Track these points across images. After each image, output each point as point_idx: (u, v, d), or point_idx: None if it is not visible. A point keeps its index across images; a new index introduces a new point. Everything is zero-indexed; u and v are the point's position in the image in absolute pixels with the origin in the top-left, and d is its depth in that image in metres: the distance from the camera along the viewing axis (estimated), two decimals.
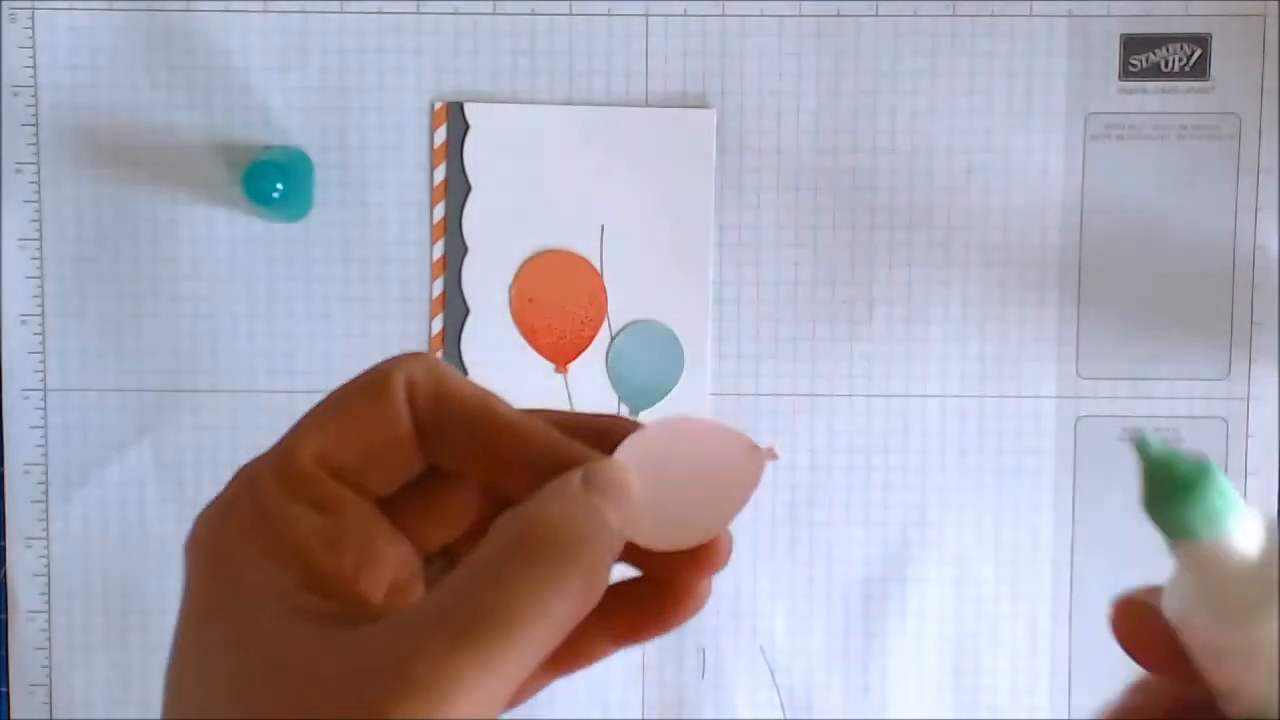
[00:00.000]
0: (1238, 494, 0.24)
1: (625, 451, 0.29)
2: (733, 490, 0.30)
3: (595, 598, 0.26)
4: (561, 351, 0.60)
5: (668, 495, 0.29)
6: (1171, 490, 0.24)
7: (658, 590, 0.30)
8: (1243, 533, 0.24)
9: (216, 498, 0.28)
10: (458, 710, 0.24)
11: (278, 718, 0.24)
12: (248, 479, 0.28)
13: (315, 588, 0.27)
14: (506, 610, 0.25)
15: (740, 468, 0.30)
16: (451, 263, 0.60)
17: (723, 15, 0.59)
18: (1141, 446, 0.24)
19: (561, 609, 0.25)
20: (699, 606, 0.30)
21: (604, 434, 0.30)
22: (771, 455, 0.30)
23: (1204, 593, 0.24)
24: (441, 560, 0.31)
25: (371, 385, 0.29)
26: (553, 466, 0.28)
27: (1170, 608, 0.25)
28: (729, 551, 0.30)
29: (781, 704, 0.61)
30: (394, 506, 0.29)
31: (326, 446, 0.28)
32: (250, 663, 0.25)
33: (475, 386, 0.29)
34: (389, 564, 0.29)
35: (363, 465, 0.28)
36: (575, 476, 0.28)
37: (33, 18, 0.59)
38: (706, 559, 0.29)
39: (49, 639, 0.61)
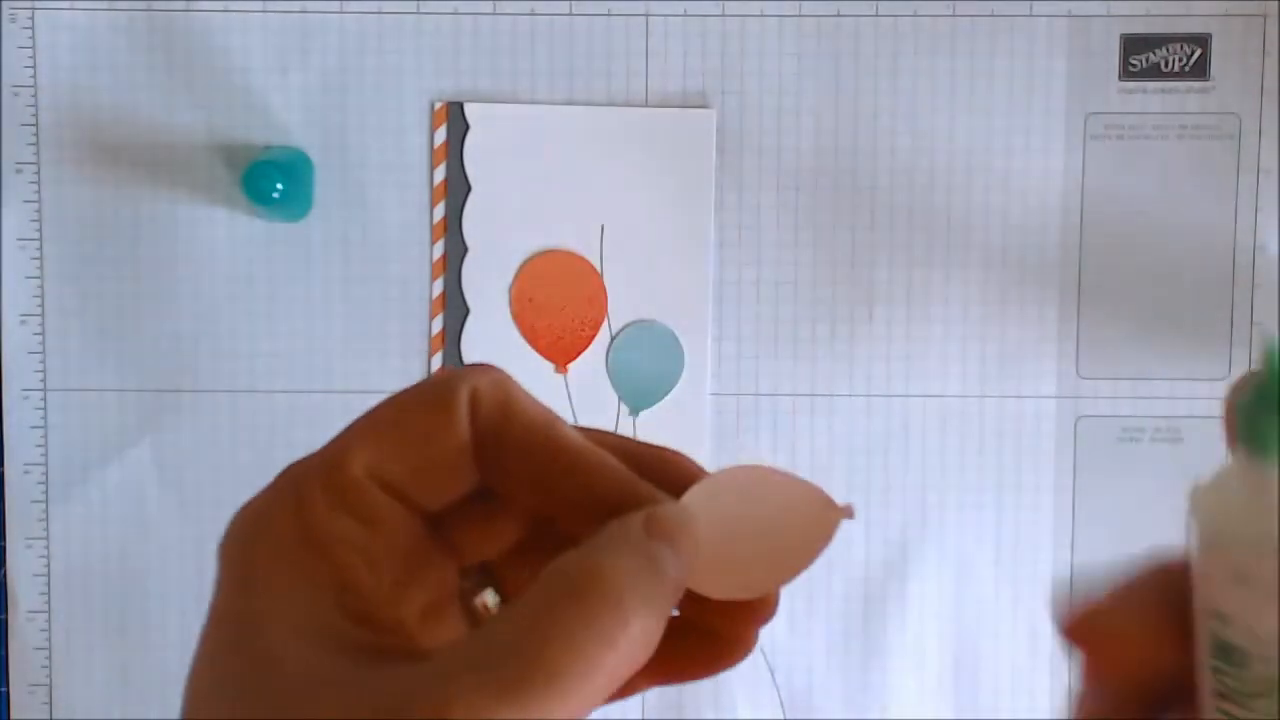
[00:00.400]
0: None
1: (694, 495, 0.28)
2: (802, 545, 0.28)
3: (649, 652, 0.25)
4: (561, 351, 0.60)
5: (734, 544, 0.28)
6: None
7: (703, 636, 0.28)
8: None
9: (256, 498, 0.27)
10: None
11: None
12: (292, 483, 0.27)
13: (350, 612, 0.26)
14: (553, 664, 0.23)
15: (813, 523, 0.28)
16: (451, 263, 0.60)
17: (723, 15, 0.59)
18: (1269, 351, 0.23)
19: (612, 665, 0.24)
20: (746, 654, 0.29)
21: (669, 469, 0.28)
22: (848, 513, 0.28)
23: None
24: (477, 575, 0.30)
25: (434, 397, 0.27)
26: (616, 505, 0.27)
27: (1225, 532, 0.23)
28: (778, 602, 0.28)
29: (782, 704, 0.61)
30: (437, 518, 0.28)
31: (379, 457, 0.27)
32: (270, 694, 0.24)
33: (542, 409, 0.28)
34: (429, 585, 0.28)
35: (415, 480, 0.27)
36: (637, 521, 0.26)
37: (33, 18, 0.59)
38: (757, 611, 0.28)
39: (49, 639, 0.61)
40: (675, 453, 0.29)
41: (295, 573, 0.26)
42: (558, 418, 0.28)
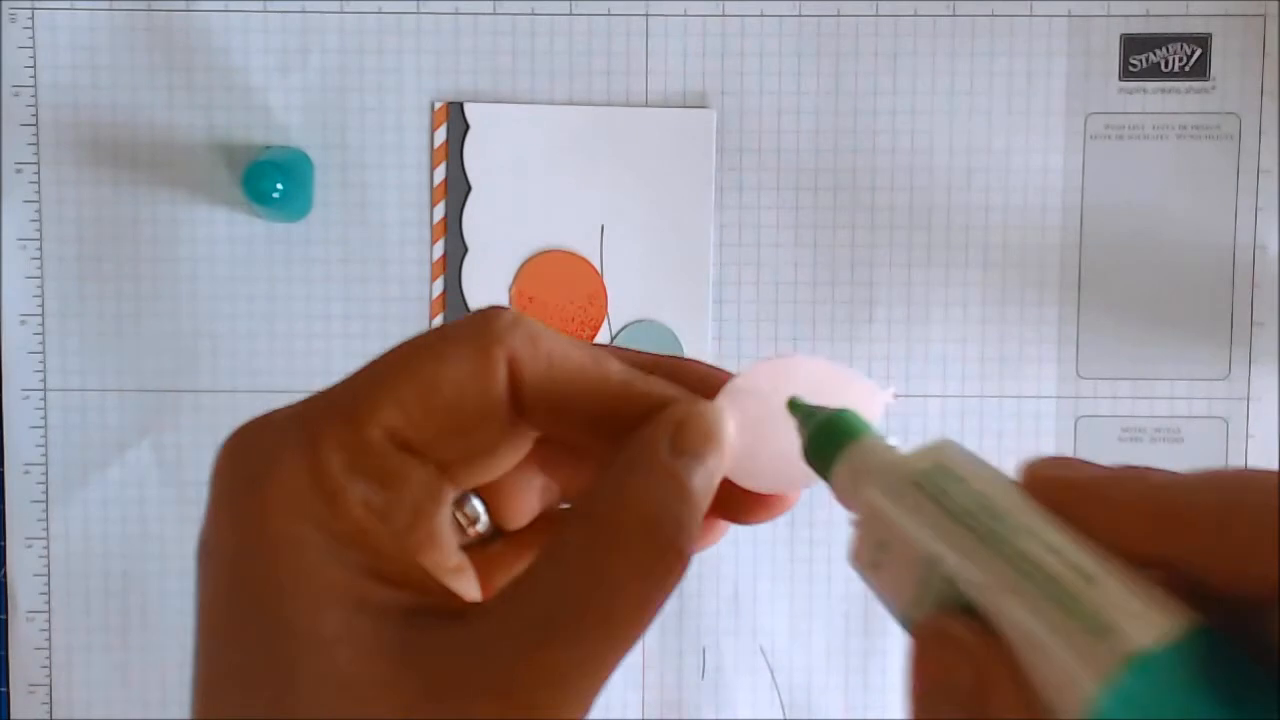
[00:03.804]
0: None
1: (729, 391, 0.27)
2: None
3: (685, 568, 0.25)
4: None
5: (772, 438, 0.27)
6: None
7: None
8: None
9: (262, 430, 0.25)
10: (559, 715, 0.23)
11: None
12: (306, 433, 0.25)
13: (383, 576, 0.24)
14: (605, 607, 0.23)
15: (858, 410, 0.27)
16: (451, 263, 0.60)
17: (723, 15, 0.59)
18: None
19: (656, 593, 0.24)
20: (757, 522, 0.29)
21: (705, 381, 0.27)
22: (890, 398, 0.28)
23: None
24: (460, 495, 0.29)
25: (470, 364, 0.26)
26: (645, 414, 0.26)
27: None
28: (798, 497, 0.28)
29: (782, 704, 0.61)
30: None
31: (402, 419, 0.25)
32: (311, 670, 0.23)
33: (575, 350, 0.27)
34: (434, 523, 0.27)
35: (439, 440, 0.26)
36: (662, 441, 0.25)
37: (33, 18, 0.59)
38: (773, 507, 0.28)
39: (49, 639, 0.61)
40: (710, 366, 0.28)
41: (317, 531, 0.24)
42: (593, 354, 0.27)
